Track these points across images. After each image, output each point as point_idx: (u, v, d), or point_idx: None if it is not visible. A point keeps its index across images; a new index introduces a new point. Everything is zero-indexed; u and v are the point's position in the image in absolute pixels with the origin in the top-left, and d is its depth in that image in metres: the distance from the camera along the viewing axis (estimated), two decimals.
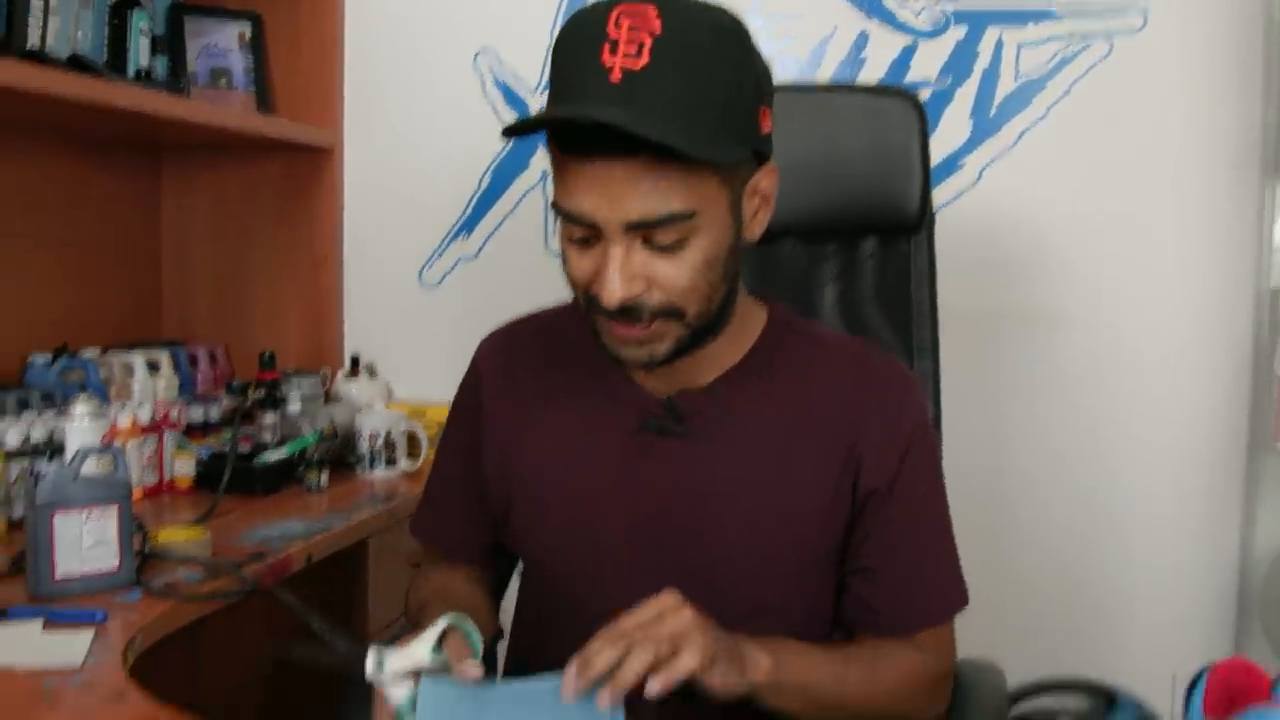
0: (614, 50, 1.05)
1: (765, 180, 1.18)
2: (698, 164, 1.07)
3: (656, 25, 1.05)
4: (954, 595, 1.30)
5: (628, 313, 1.12)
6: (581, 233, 1.12)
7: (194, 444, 2.16)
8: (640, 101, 1.04)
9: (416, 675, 1.05)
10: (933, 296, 1.61)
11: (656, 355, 1.16)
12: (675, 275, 1.11)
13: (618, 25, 1.06)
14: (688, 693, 1.05)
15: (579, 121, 1.06)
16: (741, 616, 1.21)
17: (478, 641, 1.09)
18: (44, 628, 1.34)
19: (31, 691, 1.16)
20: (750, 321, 1.27)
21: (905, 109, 1.59)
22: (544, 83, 2.50)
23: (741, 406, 1.24)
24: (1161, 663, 2.21)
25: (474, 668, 1.05)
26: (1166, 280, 2.28)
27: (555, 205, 1.13)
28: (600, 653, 1.03)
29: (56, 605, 1.40)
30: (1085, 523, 2.33)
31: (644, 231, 1.09)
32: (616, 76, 1.04)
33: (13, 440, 1.76)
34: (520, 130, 1.11)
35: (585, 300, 1.16)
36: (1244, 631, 2.33)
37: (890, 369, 1.30)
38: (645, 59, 1.05)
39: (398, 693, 1.04)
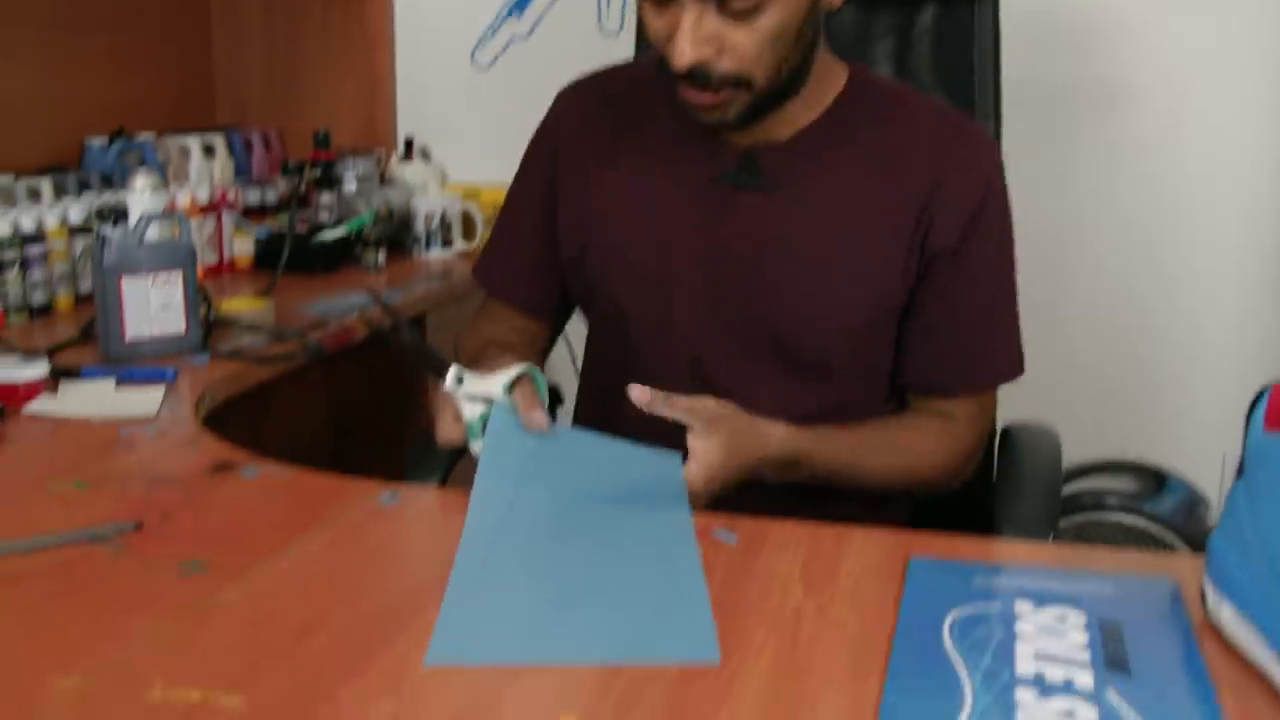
0: None
1: None
2: None
3: None
4: (1005, 363, 1.29)
5: (695, 77, 1.11)
6: None
7: (252, 224, 2.18)
8: None
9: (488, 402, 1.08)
10: (996, 65, 1.55)
11: (726, 119, 1.16)
12: (746, 43, 1.10)
13: None
14: None
15: None
16: (802, 376, 1.23)
17: (544, 395, 1.12)
18: (117, 385, 1.38)
19: (108, 438, 1.20)
20: (830, 80, 1.24)
21: None
22: None
23: (818, 162, 1.23)
24: (1212, 445, 2.24)
25: (541, 416, 1.07)
26: (1238, 50, 2.20)
27: None
28: None
29: (127, 366, 1.44)
30: (1148, 301, 2.31)
31: None
32: None
33: (75, 217, 1.79)
34: None
35: (660, 61, 1.14)
36: None
37: (970, 130, 1.27)
38: None
39: (472, 409, 1.07)
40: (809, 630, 0.81)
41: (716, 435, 1.08)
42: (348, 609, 0.83)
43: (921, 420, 1.29)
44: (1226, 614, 0.76)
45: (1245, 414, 0.77)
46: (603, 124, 1.31)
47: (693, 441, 1.08)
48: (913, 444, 1.27)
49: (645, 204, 1.26)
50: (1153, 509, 2.17)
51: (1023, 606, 0.82)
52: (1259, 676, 0.73)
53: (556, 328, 1.44)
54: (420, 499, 1.07)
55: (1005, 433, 1.48)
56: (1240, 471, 0.77)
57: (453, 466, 1.36)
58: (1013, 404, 1.40)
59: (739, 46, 1.10)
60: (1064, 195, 2.30)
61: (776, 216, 1.22)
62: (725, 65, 1.11)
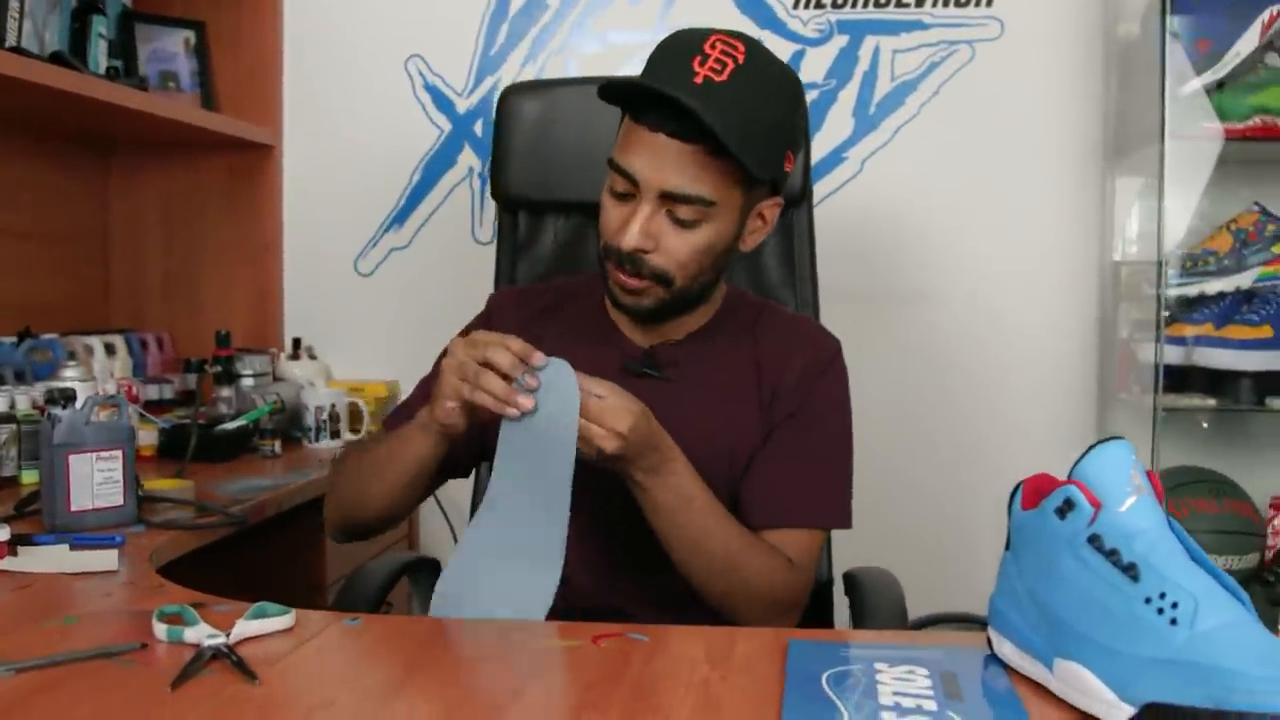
0: (703, 63, 1.35)
1: (770, 209, 1.49)
2: (731, 168, 1.37)
3: (741, 58, 1.35)
4: (825, 507, 1.51)
5: (632, 261, 1.41)
6: (624, 187, 1.40)
7: (153, 417, 2.34)
8: (714, 104, 1.33)
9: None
10: (813, 258, 1.89)
11: (641, 308, 1.47)
12: (678, 248, 1.41)
13: (712, 47, 1.36)
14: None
15: (667, 98, 1.33)
16: None
17: None
18: (71, 549, 1.53)
19: (81, 588, 1.36)
20: (717, 297, 1.57)
21: None
22: (469, 87, 2.73)
23: (702, 357, 1.54)
24: None
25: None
26: (1026, 257, 2.60)
27: (611, 160, 1.41)
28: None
29: (75, 534, 1.59)
30: (963, 471, 2.64)
31: (671, 203, 1.38)
32: (699, 80, 1.34)
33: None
34: (615, 88, 1.39)
35: (604, 248, 1.44)
36: None
37: (815, 329, 1.62)
38: (725, 77, 1.34)
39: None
40: (716, 690, 1.03)
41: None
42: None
43: (766, 544, 1.47)
44: (1008, 649, 1.02)
45: (1007, 503, 1.04)
46: (528, 319, 1.56)
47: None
48: (760, 547, 1.44)
49: None
50: None
51: (880, 665, 1.06)
52: (1047, 691, 0.98)
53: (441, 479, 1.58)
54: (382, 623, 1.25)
55: (849, 575, 1.71)
56: (1008, 545, 1.05)
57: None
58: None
59: (672, 249, 1.41)
60: (891, 382, 2.64)
61: (670, 399, 1.47)
62: (657, 261, 1.41)
